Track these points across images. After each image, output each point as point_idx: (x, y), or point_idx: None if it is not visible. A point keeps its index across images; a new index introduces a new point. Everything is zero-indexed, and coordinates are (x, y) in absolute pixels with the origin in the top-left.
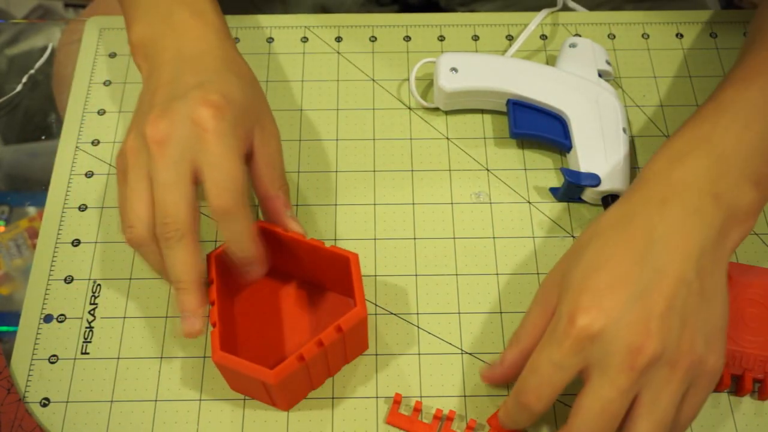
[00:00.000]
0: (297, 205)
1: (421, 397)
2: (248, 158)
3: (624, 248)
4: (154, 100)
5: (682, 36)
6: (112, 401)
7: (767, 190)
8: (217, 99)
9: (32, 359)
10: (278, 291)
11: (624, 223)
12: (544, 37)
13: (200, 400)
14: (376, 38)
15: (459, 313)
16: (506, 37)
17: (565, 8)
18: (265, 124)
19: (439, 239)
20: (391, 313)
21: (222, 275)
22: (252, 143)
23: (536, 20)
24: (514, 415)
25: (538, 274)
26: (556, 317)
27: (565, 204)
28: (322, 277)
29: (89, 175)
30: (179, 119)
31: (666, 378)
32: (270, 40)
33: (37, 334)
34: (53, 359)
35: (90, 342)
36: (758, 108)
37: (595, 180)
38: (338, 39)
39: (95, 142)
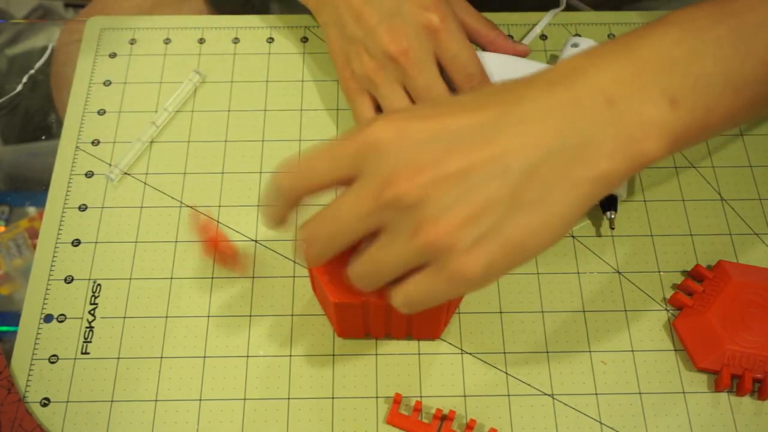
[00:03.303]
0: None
1: (421, 397)
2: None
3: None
4: (363, 25)
5: None
6: (112, 401)
7: (687, 112)
8: (432, 2)
9: (32, 359)
10: None
11: (491, 93)
12: (544, 37)
13: (200, 400)
14: None
15: (459, 313)
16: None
17: (569, 8)
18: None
19: None
20: None
21: None
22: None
23: (544, 21)
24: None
25: (538, 274)
26: (362, 179)
27: None
28: None
29: (89, 175)
30: (411, 29)
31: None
32: (270, 40)
33: (37, 334)
34: (53, 359)
35: (90, 342)
36: (696, 26)
37: None
38: None
39: (95, 142)
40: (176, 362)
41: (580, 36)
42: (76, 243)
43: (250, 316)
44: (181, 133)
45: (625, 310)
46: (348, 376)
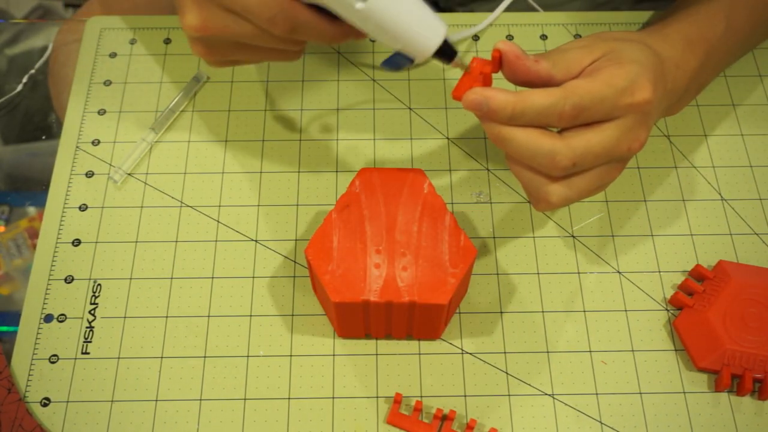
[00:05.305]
0: (297, 205)
1: (421, 397)
2: None
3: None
4: None
5: None
6: (112, 401)
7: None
8: None
9: (32, 359)
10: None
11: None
12: (544, 37)
13: (200, 399)
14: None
15: (459, 313)
16: (506, 37)
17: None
18: None
19: None
20: None
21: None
22: None
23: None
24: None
25: (538, 273)
26: (616, 85)
27: None
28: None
29: (89, 175)
30: None
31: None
32: None
33: (38, 334)
34: (53, 359)
35: (90, 342)
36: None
37: None
38: None
39: (95, 142)
40: (176, 362)
41: (581, 36)
42: (77, 243)
43: (251, 316)
44: (181, 133)
45: (625, 310)
46: (348, 376)
